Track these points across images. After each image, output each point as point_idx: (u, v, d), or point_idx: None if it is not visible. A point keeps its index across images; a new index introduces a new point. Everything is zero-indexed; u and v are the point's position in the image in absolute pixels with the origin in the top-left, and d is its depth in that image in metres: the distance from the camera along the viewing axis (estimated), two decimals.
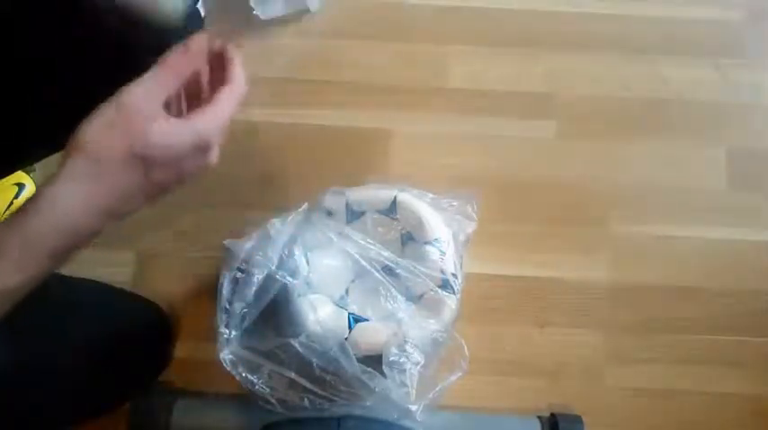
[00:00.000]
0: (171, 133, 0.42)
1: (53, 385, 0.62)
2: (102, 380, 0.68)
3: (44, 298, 0.44)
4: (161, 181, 0.43)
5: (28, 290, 0.42)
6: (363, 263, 0.70)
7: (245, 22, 0.97)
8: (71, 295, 0.69)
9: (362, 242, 0.71)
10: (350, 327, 0.70)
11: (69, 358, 0.64)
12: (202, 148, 0.44)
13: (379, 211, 0.76)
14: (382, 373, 0.66)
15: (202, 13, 0.58)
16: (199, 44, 0.45)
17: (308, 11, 0.98)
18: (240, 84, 0.46)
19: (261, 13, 0.96)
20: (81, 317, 0.67)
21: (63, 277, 0.56)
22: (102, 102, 0.42)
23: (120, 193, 0.42)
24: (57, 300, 0.44)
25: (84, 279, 0.74)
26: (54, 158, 0.63)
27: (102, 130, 0.41)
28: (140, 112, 0.41)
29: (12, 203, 0.86)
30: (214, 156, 0.45)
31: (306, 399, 0.67)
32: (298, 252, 0.70)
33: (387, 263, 0.70)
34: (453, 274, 0.72)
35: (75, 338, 0.65)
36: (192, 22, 0.57)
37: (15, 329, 0.44)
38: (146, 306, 0.79)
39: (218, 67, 0.47)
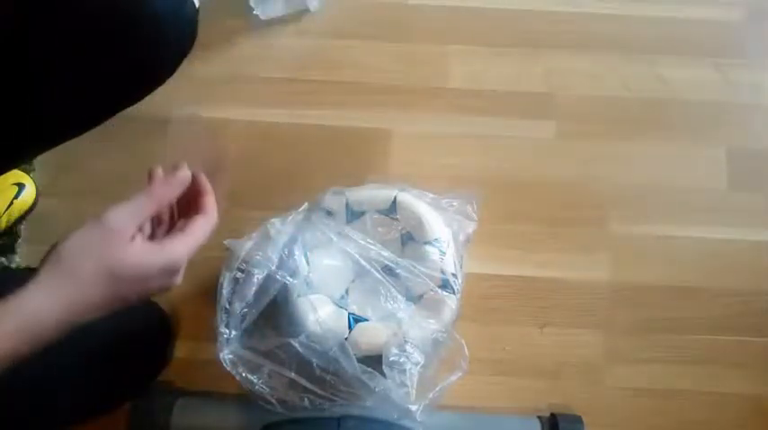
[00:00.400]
0: (144, 256, 0.45)
1: (53, 385, 0.62)
2: (102, 380, 0.68)
3: None
4: (125, 296, 0.46)
5: None
6: (363, 263, 0.70)
7: (244, 22, 0.97)
8: None
9: (362, 242, 0.71)
10: (350, 327, 0.70)
11: (69, 358, 0.64)
12: (171, 272, 0.47)
13: (379, 211, 0.76)
14: (382, 373, 0.66)
15: (197, 3, 0.58)
16: (182, 179, 0.48)
17: (308, 11, 0.98)
18: (213, 215, 0.50)
19: (261, 13, 0.96)
20: None
21: None
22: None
23: (86, 304, 0.45)
24: None
25: None
26: (54, 158, 0.63)
27: (81, 247, 0.44)
28: (119, 234, 0.44)
29: (12, 203, 0.85)
30: (179, 278, 0.48)
31: (306, 399, 0.68)
32: (298, 252, 0.70)
33: (387, 263, 0.70)
34: (453, 274, 0.72)
35: (75, 338, 0.65)
36: (187, 14, 0.57)
37: None
38: (146, 306, 0.78)
39: (189, 191, 0.50)
